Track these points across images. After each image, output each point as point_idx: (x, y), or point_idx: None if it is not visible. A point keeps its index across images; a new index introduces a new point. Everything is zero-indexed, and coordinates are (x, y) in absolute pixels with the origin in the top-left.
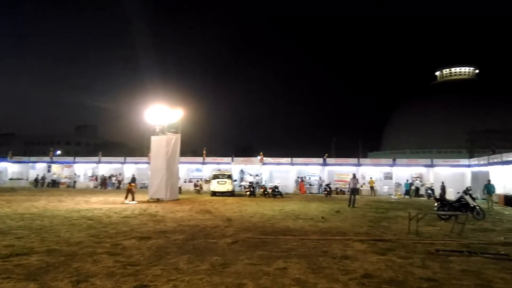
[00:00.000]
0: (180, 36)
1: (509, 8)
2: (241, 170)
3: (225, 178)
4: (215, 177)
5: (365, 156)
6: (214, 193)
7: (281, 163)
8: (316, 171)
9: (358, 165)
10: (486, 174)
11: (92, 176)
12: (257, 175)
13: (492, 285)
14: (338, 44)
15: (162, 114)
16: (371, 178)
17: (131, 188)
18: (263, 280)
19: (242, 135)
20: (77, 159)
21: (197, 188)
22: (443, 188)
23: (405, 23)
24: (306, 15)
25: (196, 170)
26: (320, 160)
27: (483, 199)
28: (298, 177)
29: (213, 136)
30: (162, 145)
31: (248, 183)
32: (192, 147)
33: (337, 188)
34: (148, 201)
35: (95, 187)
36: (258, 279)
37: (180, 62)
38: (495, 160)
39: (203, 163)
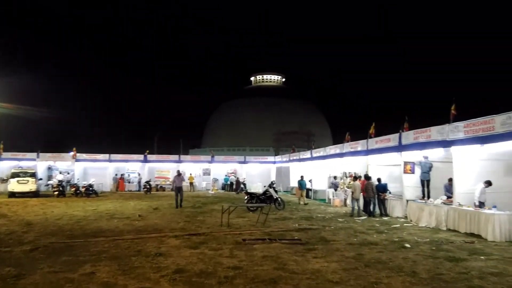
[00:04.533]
0: None
1: (311, 29)
2: (49, 167)
3: (28, 176)
4: (15, 175)
5: (186, 153)
6: (12, 194)
7: (97, 160)
8: (136, 167)
9: (179, 161)
10: (288, 169)
11: None
12: (68, 173)
13: (286, 267)
14: (162, 45)
15: None
16: (190, 174)
17: None
18: None
19: (52, 129)
20: None
21: None
22: (237, 182)
23: (226, 31)
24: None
25: None
26: (141, 156)
27: (284, 191)
28: (116, 174)
29: (15, 129)
30: None
31: (57, 182)
32: None
33: (157, 185)
34: None
35: None
36: None
37: None
38: (295, 158)
39: None
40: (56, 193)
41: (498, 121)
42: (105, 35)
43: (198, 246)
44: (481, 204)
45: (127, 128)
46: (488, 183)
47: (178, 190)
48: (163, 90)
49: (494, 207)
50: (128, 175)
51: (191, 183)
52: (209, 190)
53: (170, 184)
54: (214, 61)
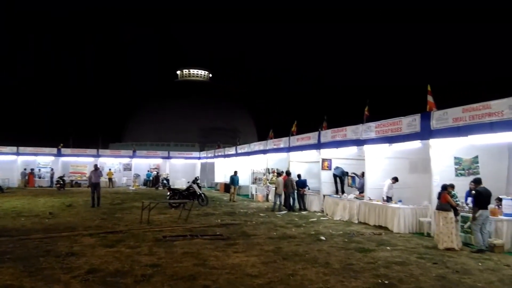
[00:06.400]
0: None
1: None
2: None
3: None
4: None
5: (106, 147)
6: None
7: (3, 153)
8: (49, 162)
9: (97, 156)
10: (213, 165)
11: None
12: None
13: (207, 263)
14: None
15: None
16: (109, 169)
17: None
18: None
19: None
20: None
21: None
22: (157, 178)
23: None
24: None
25: None
26: (54, 150)
27: (209, 187)
28: (25, 169)
29: None
30: None
31: None
32: None
33: (72, 181)
34: None
35: None
36: None
37: None
38: (220, 154)
39: None
40: None
41: (405, 123)
42: None
43: (115, 245)
44: (389, 199)
45: (38, 118)
46: (395, 179)
47: (95, 186)
48: (79, 78)
49: (400, 201)
50: (39, 169)
51: (110, 179)
52: (129, 186)
53: (87, 180)
54: (140, 52)
